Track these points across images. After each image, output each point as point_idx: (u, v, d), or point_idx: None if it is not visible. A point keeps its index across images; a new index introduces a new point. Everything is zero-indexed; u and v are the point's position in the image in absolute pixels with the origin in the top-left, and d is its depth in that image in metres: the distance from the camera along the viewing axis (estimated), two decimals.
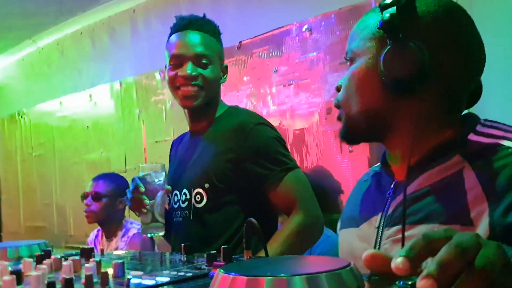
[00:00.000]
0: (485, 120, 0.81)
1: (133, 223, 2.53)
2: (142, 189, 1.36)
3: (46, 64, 4.15)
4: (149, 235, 1.47)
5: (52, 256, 0.79)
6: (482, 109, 0.95)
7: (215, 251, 0.71)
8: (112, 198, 2.48)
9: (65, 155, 3.91)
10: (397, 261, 0.43)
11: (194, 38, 1.47)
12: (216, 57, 1.49)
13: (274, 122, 2.55)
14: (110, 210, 2.48)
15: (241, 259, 0.74)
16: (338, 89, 0.88)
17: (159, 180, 1.40)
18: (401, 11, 0.76)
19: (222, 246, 0.72)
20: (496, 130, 0.78)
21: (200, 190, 1.43)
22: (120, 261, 0.70)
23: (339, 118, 0.87)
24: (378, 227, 0.83)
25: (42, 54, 4.16)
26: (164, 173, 1.42)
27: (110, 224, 2.52)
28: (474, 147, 0.75)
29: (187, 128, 1.62)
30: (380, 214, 0.84)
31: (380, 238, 0.82)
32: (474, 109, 0.90)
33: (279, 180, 1.38)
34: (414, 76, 0.75)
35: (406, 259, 0.43)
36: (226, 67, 1.57)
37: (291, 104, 2.50)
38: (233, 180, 1.41)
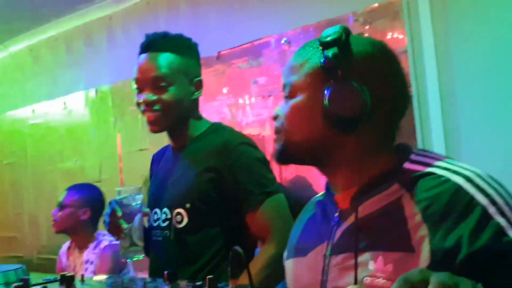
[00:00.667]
0: (417, 149, 0.87)
1: (105, 235, 2.50)
2: (119, 213, 1.33)
3: (19, 70, 4.05)
4: (128, 260, 1.45)
5: None
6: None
7: (201, 282, 0.70)
8: (75, 208, 2.48)
9: (38, 164, 3.82)
10: None
11: (152, 60, 1.43)
12: (180, 75, 1.43)
13: (254, 132, 2.54)
14: (71, 220, 2.48)
15: None
16: (275, 118, 0.93)
17: (137, 203, 1.38)
18: (342, 50, 0.81)
19: (208, 277, 0.70)
20: (428, 158, 0.83)
21: (181, 210, 1.40)
22: None
23: (277, 141, 0.92)
24: (325, 255, 0.86)
25: (15, 60, 4.06)
26: (141, 196, 1.40)
27: (79, 235, 2.52)
28: (411, 175, 0.80)
29: (164, 138, 1.59)
30: (326, 243, 0.87)
31: (328, 266, 0.84)
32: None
33: (258, 203, 1.35)
34: (358, 115, 0.80)
35: None
36: (200, 81, 1.51)
37: (270, 115, 2.50)
38: (214, 200, 1.38)
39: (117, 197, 1.37)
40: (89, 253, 2.44)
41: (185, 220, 1.39)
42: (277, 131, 0.92)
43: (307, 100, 0.86)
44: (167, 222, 1.41)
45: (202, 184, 1.38)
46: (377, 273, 0.74)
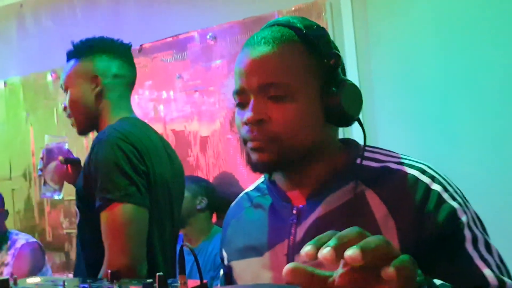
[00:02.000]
0: (364, 145, 0.85)
1: (19, 234, 2.39)
2: (41, 155, 1.55)
3: None
4: (41, 197, 1.58)
5: None
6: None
7: (151, 280, 0.69)
8: None
9: None
10: (324, 252, 0.45)
11: (66, 68, 1.50)
12: (76, 78, 1.46)
13: (178, 128, 2.52)
14: None
15: (176, 285, 0.72)
16: (256, 123, 0.80)
17: (60, 149, 1.56)
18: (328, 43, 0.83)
19: (157, 274, 0.69)
20: (379, 154, 0.86)
21: (76, 207, 1.41)
22: None
23: (258, 150, 0.81)
24: (287, 254, 0.83)
25: None
26: (65, 145, 1.57)
27: None
28: (368, 171, 0.82)
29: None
30: (286, 241, 0.84)
31: None
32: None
33: (98, 209, 1.24)
34: (360, 109, 0.82)
35: (332, 249, 0.45)
36: (97, 76, 1.46)
37: (195, 110, 2.48)
38: (88, 199, 1.30)
39: (45, 143, 1.56)
40: (4, 255, 2.29)
41: (78, 216, 1.38)
42: (264, 139, 0.80)
43: (308, 100, 0.80)
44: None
45: (80, 181, 1.37)
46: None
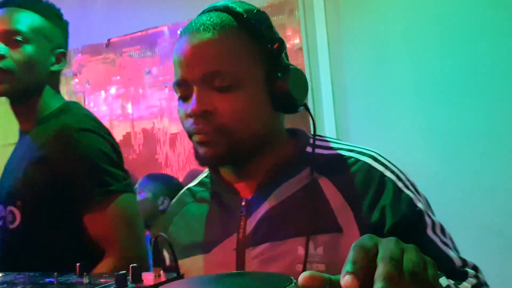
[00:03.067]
0: (311, 134, 0.83)
1: None
2: None
3: None
4: None
5: None
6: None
7: (124, 272, 0.65)
8: None
9: None
10: (346, 279, 0.43)
11: (8, 14, 1.23)
12: (38, 36, 1.23)
13: (147, 125, 2.46)
14: None
15: (151, 277, 0.68)
16: (200, 115, 0.75)
17: None
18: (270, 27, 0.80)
19: (131, 265, 0.65)
20: (329, 142, 0.84)
21: (12, 208, 1.18)
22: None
23: (205, 143, 0.77)
24: (236, 249, 0.79)
25: None
26: None
27: None
28: (320, 159, 0.79)
29: (16, 127, 1.39)
30: (235, 235, 0.80)
31: (243, 260, 0.78)
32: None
33: (97, 204, 1.13)
34: (306, 94, 0.79)
35: (353, 276, 0.43)
36: (63, 53, 1.29)
37: (165, 107, 2.43)
38: (49, 198, 1.16)
39: None
40: None
41: (17, 220, 1.17)
42: (211, 131, 0.75)
43: (255, 88, 0.76)
44: (1, 222, 1.21)
45: (34, 179, 1.17)
46: (308, 258, 0.72)
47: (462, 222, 1.71)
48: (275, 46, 0.77)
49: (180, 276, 0.67)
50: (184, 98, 0.79)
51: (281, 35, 0.80)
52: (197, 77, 0.75)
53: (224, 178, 0.86)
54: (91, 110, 2.70)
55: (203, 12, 0.82)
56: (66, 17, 1.43)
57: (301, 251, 0.74)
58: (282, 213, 0.77)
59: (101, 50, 2.57)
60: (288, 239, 0.75)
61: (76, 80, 2.67)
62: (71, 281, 0.69)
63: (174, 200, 0.98)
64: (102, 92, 2.61)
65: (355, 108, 2.03)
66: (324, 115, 2.04)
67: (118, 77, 2.56)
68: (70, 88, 2.69)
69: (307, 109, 0.81)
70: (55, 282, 0.70)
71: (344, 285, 0.43)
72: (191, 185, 0.96)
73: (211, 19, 0.77)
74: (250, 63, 0.77)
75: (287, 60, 0.81)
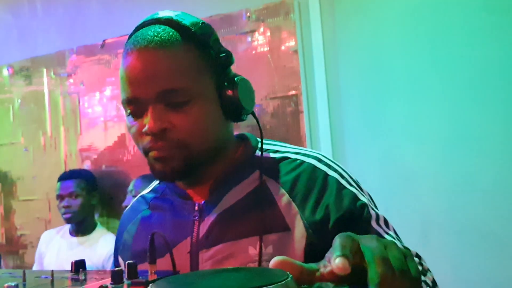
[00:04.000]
0: (262, 138, 0.85)
1: None
2: None
3: None
4: None
5: None
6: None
7: (120, 268, 0.65)
8: None
9: None
10: (337, 262, 0.45)
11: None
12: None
13: None
14: None
15: (146, 274, 0.68)
16: (158, 133, 0.75)
17: None
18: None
19: (127, 262, 0.65)
20: (276, 146, 0.89)
21: None
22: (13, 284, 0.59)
23: (162, 159, 0.77)
24: (190, 252, 0.81)
25: None
26: None
27: None
28: (268, 162, 0.84)
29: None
30: (189, 239, 0.82)
31: (197, 262, 0.81)
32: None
33: None
34: (254, 102, 0.83)
35: (344, 258, 0.46)
36: None
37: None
38: None
39: None
40: None
41: None
42: (169, 147, 0.76)
43: (208, 101, 0.78)
44: None
45: None
46: (258, 257, 0.75)
47: (457, 223, 1.72)
48: (223, 59, 0.79)
49: (175, 273, 0.67)
50: (135, 115, 0.78)
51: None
52: (151, 96, 0.74)
53: (177, 184, 0.88)
54: (85, 111, 2.71)
55: (146, 25, 0.81)
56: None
57: (252, 250, 0.77)
58: (234, 215, 0.80)
59: (96, 51, 2.56)
60: (239, 240, 0.78)
61: (71, 80, 2.67)
62: (67, 277, 0.69)
63: (127, 209, 0.99)
64: (97, 93, 2.60)
65: (349, 110, 2.04)
66: (318, 117, 2.05)
67: (113, 78, 2.56)
68: (64, 89, 2.68)
69: (254, 116, 0.85)
70: (51, 278, 0.70)
71: (337, 266, 0.45)
72: (144, 192, 0.98)
73: (159, 35, 0.76)
74: (201, 77, 0.78)
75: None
